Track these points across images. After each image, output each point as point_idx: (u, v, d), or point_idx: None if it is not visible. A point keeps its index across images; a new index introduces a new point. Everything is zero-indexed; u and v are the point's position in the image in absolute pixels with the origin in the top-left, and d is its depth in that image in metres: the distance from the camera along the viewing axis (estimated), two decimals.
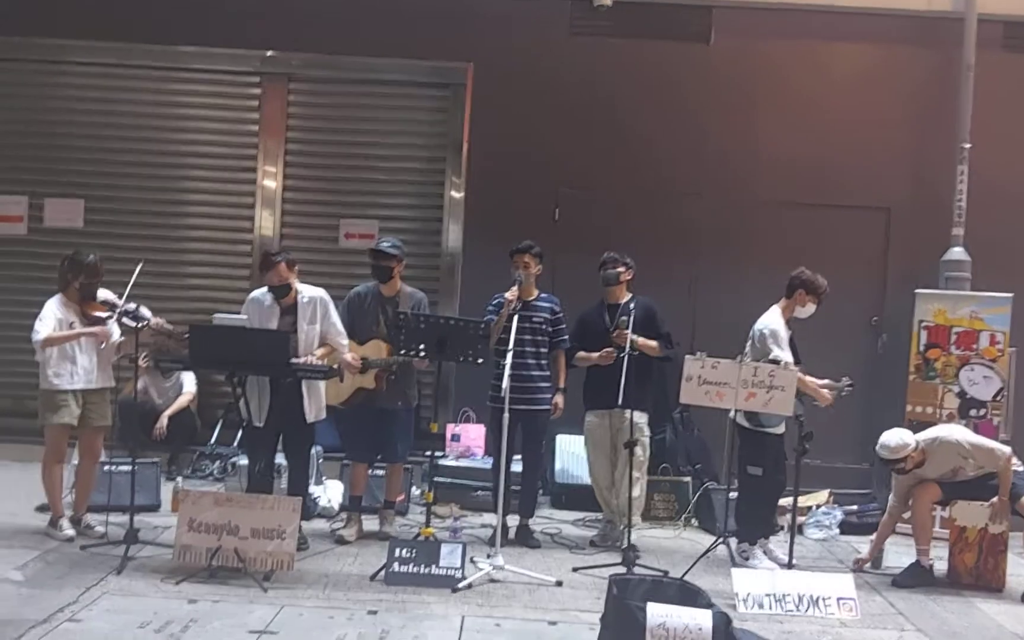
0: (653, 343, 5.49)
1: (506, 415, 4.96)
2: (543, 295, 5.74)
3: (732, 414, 5.28)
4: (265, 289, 5.24)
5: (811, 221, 7.13)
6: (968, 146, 6.91)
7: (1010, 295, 6.47)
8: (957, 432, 5.24)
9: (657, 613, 3.73)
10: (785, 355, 5.14)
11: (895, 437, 5.14)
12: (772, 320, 5.28)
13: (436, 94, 7.46)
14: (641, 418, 5.56)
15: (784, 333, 5.26)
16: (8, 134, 7.43)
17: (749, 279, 6.99)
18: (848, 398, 5.41)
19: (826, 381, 5.29)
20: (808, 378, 5.18)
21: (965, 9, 7.02)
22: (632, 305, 5.46)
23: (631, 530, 5.55)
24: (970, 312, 6.49)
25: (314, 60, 7.40)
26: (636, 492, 5.59)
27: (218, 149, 7.48)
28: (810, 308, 5.33)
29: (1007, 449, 5.16)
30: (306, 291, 5.24)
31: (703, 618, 3.74)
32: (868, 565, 5.37)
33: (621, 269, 5.65)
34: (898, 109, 7.24)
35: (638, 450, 5.51)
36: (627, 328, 5.29)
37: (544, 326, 5.62)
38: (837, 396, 5.29)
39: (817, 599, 4.63)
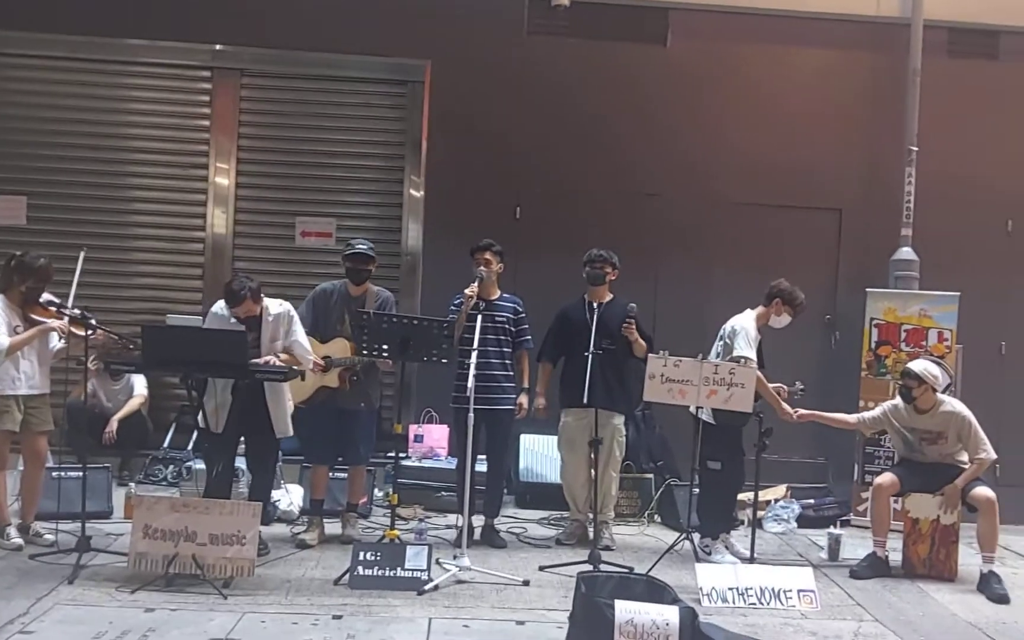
0: (643, 344, 5.54)
1: (471, 415, 4.93)
2: (505, 295, 5.71)
3: (692, 409, 5.34)
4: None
5: (766, 221, 7.27)
6: (915, 149, 7.11)
7: (957, 293, 6.67)
8: (969, 413, 5.38)
9: (625, 610, 3.74)
10: (748, 353, 5.22)
11: (938, 370, 5.39)
12: (745, 321, 5.39)
13: (394, 91, 7.37)
14: (619, 419, 5.63)
15: (754, 334, 5.36)
16: None
17: (707, 278, 7.13)
18: (803, 396, 5.54)
19: (778, 385, 5.41)
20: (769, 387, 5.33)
21: (912, 15, 7.22)
22: (615, 305, 5.57)
23: (608, 527, 5.60)
24: (919, 310, 6.68)
25: (267, 55, 7.25)
26: (613, 489, 5.69)
27: (167, 145, 7.26)
28: (785, 319, 5.44)
29: (993, 455, 5.28)
30: (272, 307, 5.07)
31: (670, 613, 3.76)
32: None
33: (608, 270, 5.66)
34: (849, 112, 7.40)
35: (615, 449, 5.60)
36: (632, 319, 5.42)
37: (507, 325, 5.60)
38: (791, 398, 5.42)
39: (779, 592, 4.70)
